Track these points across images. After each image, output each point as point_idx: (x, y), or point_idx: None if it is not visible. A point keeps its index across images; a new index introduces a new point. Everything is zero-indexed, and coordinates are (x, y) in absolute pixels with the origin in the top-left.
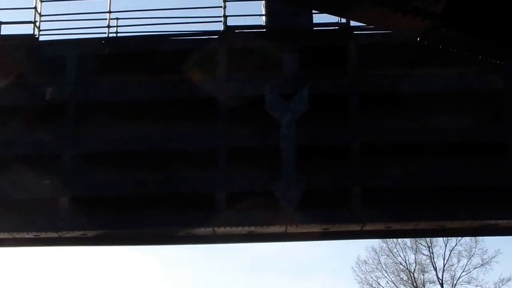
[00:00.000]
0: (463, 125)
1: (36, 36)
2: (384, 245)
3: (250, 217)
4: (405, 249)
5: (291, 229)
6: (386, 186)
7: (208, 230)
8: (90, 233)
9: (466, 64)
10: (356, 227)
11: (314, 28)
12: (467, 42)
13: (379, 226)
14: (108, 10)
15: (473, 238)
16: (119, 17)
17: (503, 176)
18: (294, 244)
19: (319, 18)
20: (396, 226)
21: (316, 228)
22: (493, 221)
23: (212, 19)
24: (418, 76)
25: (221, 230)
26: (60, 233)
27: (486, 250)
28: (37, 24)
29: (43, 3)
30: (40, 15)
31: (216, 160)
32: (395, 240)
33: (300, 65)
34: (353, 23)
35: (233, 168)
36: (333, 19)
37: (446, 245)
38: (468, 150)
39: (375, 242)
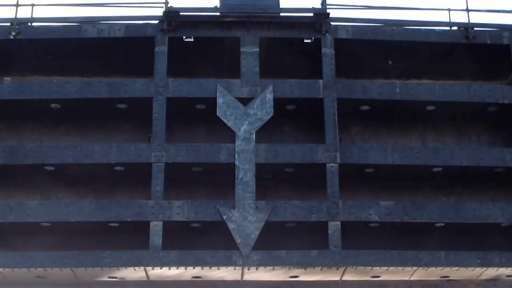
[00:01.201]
0: (469, 145)
1: None
2: None
3: (194, 255)
4: None
5: (249, 275)
6: (372, 221)
7: (139, 272)
8: None
9: (471, 75)
10: (333, 274)
11: (281, 15)
12: None
13: (363, 274)
14: None
15: None
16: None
17: None
18: None
19: (289, 1)
20: (385, 275)
21: (281, 275)
22: (509, 270)
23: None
24: (413, 83)
25: (156, 272)
26: None
27: None
28: None
29: None
30: None
31: (151, 179)
32: None
33: (263, 62)
34: (330, 10)
35: (173, 190)
36: (306, 2)
37: None
38: (476, 176)
39: None
